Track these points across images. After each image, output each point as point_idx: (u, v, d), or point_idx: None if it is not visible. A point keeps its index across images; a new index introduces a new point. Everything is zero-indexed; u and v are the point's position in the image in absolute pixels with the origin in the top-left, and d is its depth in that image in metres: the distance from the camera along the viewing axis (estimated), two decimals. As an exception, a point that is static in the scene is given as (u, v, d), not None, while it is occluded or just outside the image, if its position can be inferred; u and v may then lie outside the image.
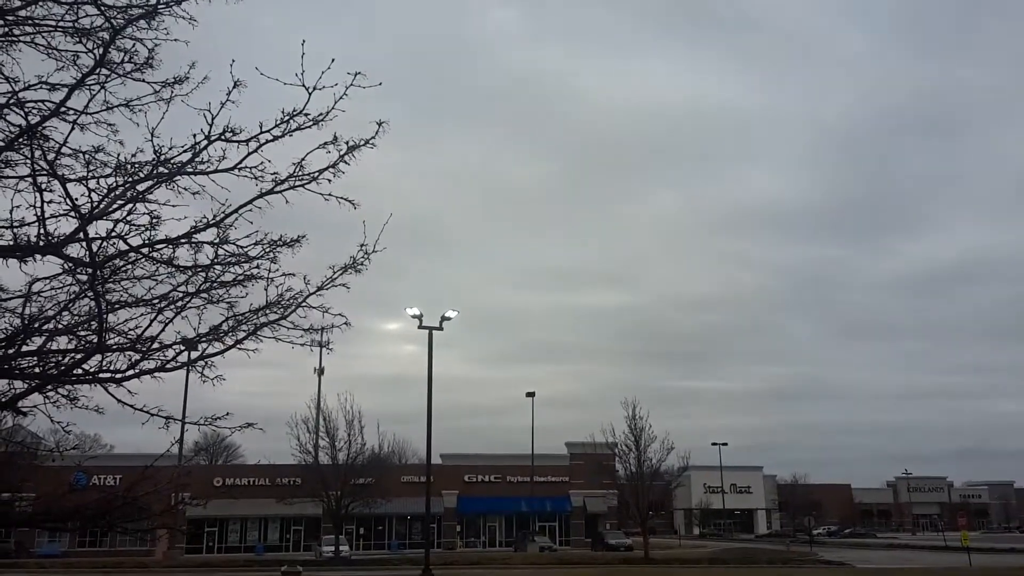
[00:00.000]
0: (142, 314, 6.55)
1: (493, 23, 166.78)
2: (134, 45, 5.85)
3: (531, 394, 74.07)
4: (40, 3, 5.94)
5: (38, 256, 6.01)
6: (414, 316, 41.92)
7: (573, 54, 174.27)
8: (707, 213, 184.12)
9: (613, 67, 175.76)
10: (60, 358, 6.49)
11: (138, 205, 6.01)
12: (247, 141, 5.98)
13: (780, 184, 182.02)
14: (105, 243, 6.04)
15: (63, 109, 5.90)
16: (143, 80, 5.94)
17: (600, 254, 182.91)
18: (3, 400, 6.28)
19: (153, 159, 5.95)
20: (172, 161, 5.99)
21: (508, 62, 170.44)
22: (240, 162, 6.04)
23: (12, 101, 5.99)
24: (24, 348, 6.42)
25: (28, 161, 5.98)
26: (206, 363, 6.60)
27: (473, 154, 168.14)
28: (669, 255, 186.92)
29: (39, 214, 5.86)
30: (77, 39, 5.94)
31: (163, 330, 6.50)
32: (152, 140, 5.89)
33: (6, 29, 6.03)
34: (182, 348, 6.57)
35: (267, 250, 6.36)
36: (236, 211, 6.11)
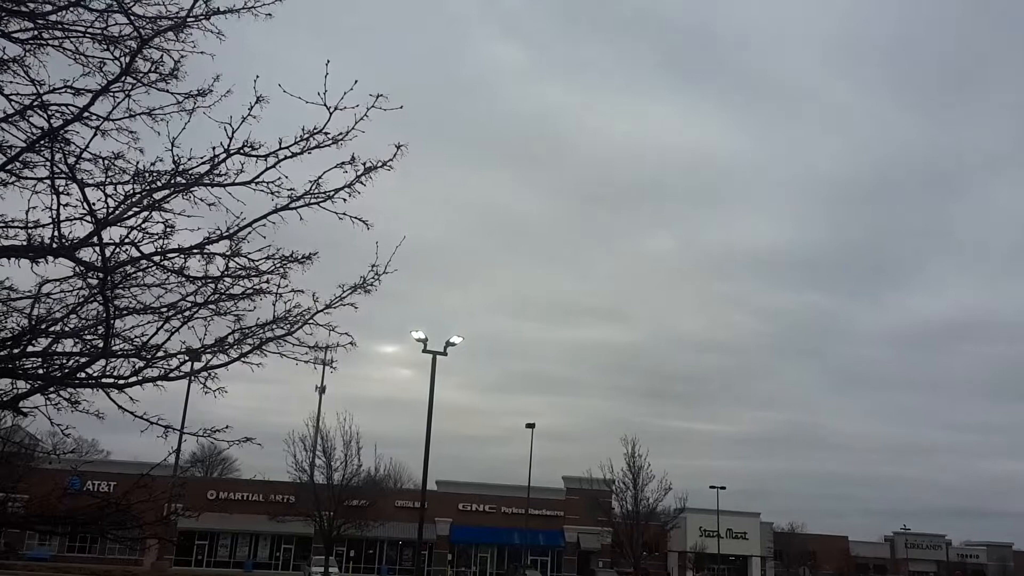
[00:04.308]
0: (149, 322, 6.56)
1: (505, 60, 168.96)
2: (161, 56, 5.92)
3: (531, 425, 73.51)
4: (71, 8, 6.01)
5: (50, 258, 6.01)
6: (419, 340, 41.86)
7: (576, 96, 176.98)
8: (702, 255, 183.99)
9: (613, 109, 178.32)
10: (64, 361, 6.49)
11: (153, 213, 6.04)
12: (266, 156, 6.01)
13: (773, 232, 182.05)
14: (118, 249, 6.06)
15: (86, 114, 5.94)
16: (167, 91, 6.00)
17: (598, 289, 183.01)
18: (4, 399, 6.26)
19: (172, 169, 5.99)
20: (190, 172, 6.02)
21: (515, 101, 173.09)
22: (257, 176, 6.07)
23: (36, 103, 6.04)
24: (29, 349, 6.42)
25: (48, 163, 6.01)
26: (209, 374, 6.57)
27: (476, 186, 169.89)
28: (666, 294, 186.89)
29: (55, 216, 5.87)
30: (105, 46, 6.00)
31: (169, 339, 6.51)
32: (172, 150, 5.93)
33: (36, 32, 6.10)
34: (186, 358, 6.57)
35: (278, 265, 6.38)
36: (250, 225, 6.13)
